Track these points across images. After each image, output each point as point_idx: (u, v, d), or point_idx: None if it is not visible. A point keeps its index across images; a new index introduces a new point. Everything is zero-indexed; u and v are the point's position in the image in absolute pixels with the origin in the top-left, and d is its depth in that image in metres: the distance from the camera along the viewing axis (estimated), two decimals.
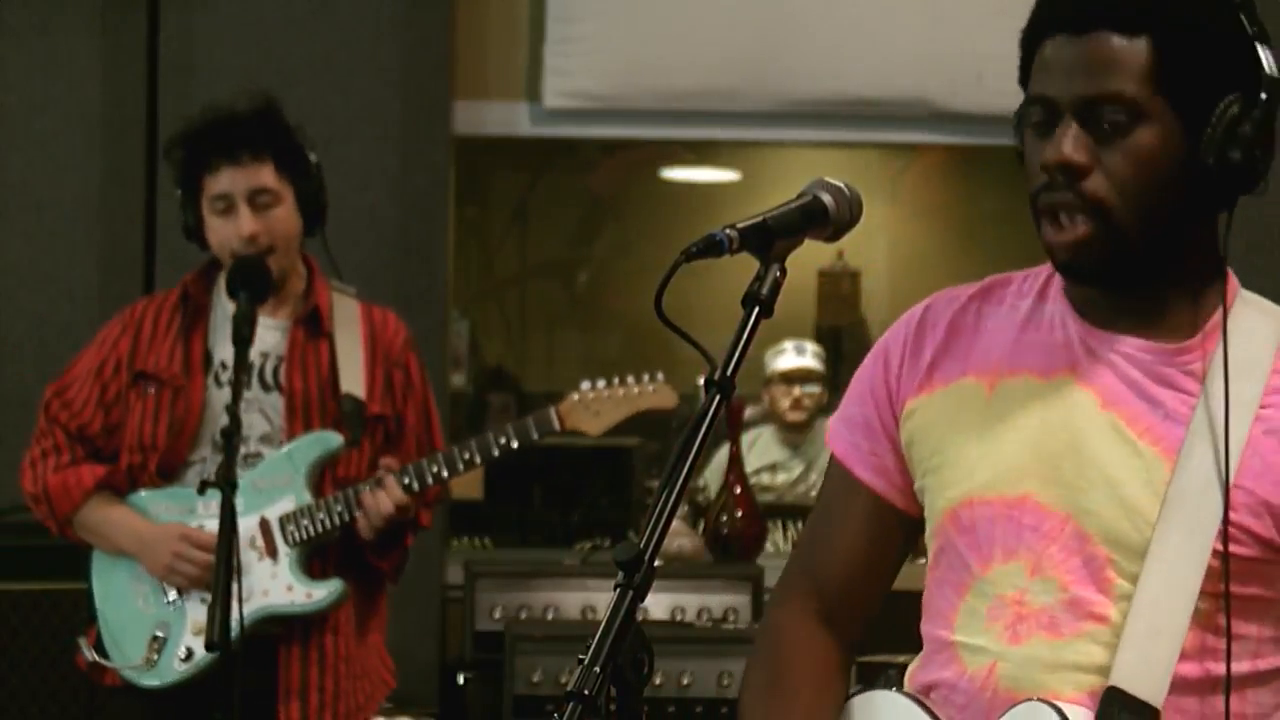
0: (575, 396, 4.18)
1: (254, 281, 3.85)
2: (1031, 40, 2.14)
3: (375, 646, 4.14)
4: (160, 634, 3.95)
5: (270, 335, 3.97)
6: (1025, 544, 2.13)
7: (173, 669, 3.94)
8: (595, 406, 4.23)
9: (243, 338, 3.69)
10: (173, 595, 3.97)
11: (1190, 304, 2.14)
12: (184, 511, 3.97)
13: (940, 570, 2.21)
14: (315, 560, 3.99)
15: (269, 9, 5.49)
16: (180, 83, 5.38)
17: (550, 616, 5.05)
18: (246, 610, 3.69)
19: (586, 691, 1.75)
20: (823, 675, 2.28)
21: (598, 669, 1.76)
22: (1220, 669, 2.09)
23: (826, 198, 2.04)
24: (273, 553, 3.94)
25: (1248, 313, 2.16)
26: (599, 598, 5.04)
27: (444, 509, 5.63)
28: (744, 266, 2.00)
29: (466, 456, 4.03)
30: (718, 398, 1.90)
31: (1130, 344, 2.14)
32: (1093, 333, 2.16)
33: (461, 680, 5.17)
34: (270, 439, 3.98)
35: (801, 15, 5.66)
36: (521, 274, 8.34)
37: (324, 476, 3.99)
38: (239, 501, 3.85)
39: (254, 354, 3.98)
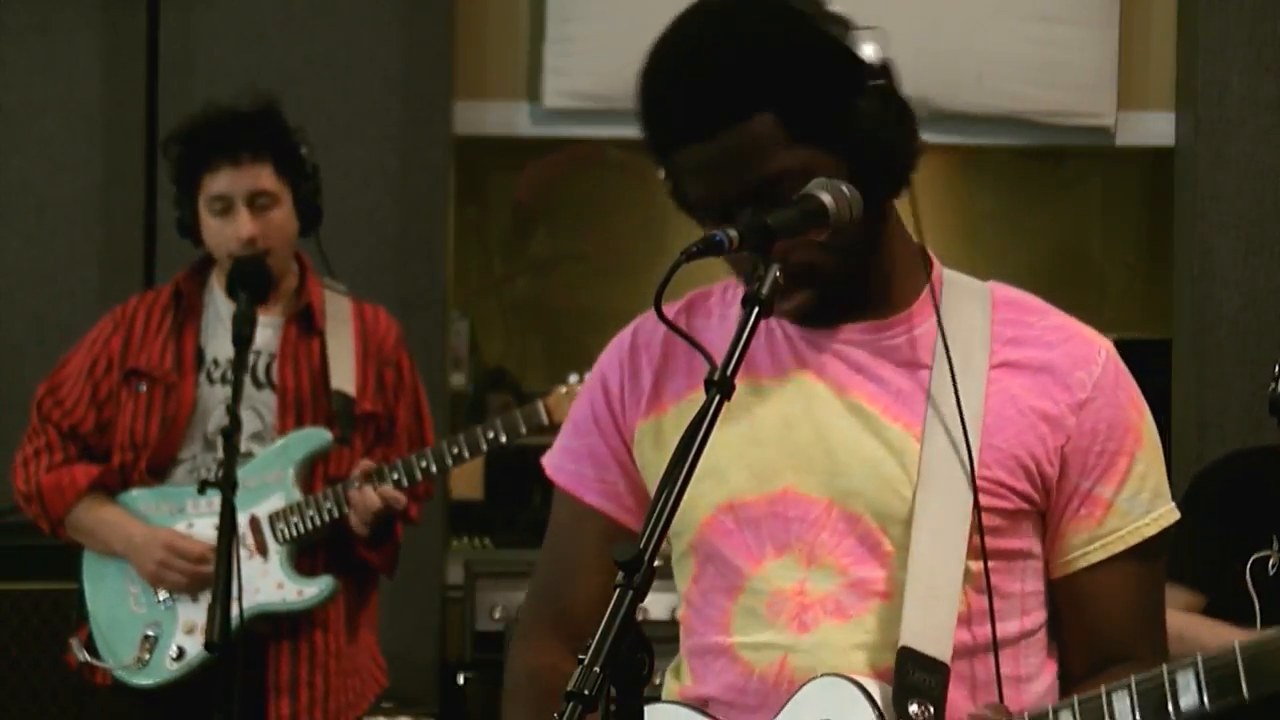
0: (563, 390, 4.17)
1: (254, 282, 3.85)
2: (660, 154, 2.12)
3: (366, 644, 4.14)
4: (151, 633, 3.96)
5: (263, 332, 3.96)
6: (795, 535, 2.15)
7: (164, 668, 3.94)
8: None
9: (243, 338, 3.69)
10: (164, 595, 3.98)
11: (897, 283, 2.19)
12: (175, 510, 3.97)
13: (704, 581, 2.22)
14: (304, 557, 4.00)
15: (269, 9, 5.49)
16: (180, 82, 5.38)
17: None
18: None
19: (586, 691, 1.75)
20: None
21: (598, 669, 1.76)
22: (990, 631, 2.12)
23: (826, 197, 2.05)
24: (263, 550, 3.95)
25: (954, 288, 2.21)
26: None
27: (444, 509, 5.63)
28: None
29: (455, 451, 4.04)
30: (718, 398, 1.90)
31: (847, 330, 2.17)
32: (808, 328, 2.18)
33: (461, 680, 5.17)
34: (262, 436, 3.99)
35: None
36: (522, 274, 8.33)
37: (315, 474, 4.00)
38: None
39: None
